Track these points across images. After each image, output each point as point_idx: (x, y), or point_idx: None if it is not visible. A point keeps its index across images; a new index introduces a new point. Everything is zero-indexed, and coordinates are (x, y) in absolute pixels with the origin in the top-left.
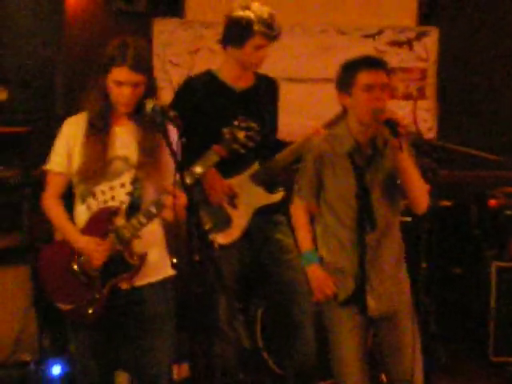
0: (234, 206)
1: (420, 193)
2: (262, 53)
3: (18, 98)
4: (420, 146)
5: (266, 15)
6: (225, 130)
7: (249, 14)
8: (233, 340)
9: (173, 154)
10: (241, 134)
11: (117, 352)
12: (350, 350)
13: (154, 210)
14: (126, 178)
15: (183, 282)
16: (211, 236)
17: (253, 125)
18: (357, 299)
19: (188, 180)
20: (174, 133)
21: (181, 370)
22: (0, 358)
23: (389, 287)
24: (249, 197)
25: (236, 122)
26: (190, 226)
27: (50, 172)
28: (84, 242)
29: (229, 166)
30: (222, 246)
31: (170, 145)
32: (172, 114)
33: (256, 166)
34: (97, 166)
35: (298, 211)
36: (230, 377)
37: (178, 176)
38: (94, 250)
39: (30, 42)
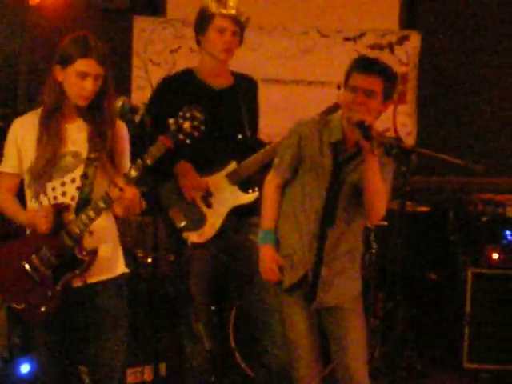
0: (209, 205)
1: (376, 204)
2: (227, 37)
3: None
4: (391, 151)
5: None
6: (170, 121)
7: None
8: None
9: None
10: (186, 124)
11: (75, 348)
12: (298, 334)
13: (101, 204)
14: (77, 173)
15: (156, 282)
16: (184, 234)
17: (198, 115)
18: (302, 288)
19: (134, 173)
20: (124, 129)
21: (159, 370)
22: None
23: (338, 281)
24: (224, 196)
25: (181, 113)
26: (156, 224)
27: (2, 173)
28: (28, 213)
29: (205, 165)
30: (195, 245)
31: (143, 142)
32: (141, 112)
33: (233, 166)
34: (48, 162)
35: (271, 187)
36: (201, 378)
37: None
38: (38, 215)
39: None
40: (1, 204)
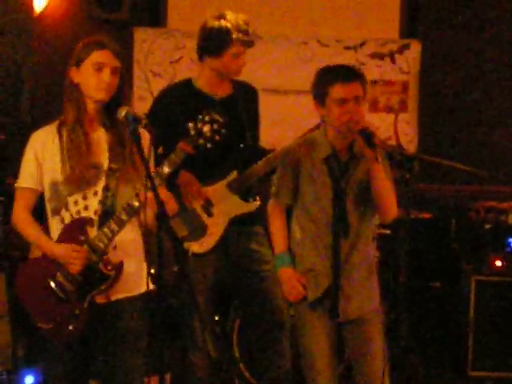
0: (210, 214)
1: (388, 204)
2: (241, 61)
3: None
4: (394, 157)
5: (241, 22)
6: (189, 125)
7: (225, 23)
8: (207, 351)
9: (143, 160)
10: (206, 128)
11: (89, 364)
12: (320, 349)
13: (124, 216)
14: (99, 185)
15: (160, 293)
16: (186, 244)
17: (217, 117)
18: (327, 301)
19: (157, 182)
20: (146, 138)
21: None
22: None
23: (359, 292)
24: (225, 205)
25: (200, 116)
26: (159, 234)
27: (20, 188)
28: (61, 250)
29: (207, 174)
30: (196, 255)
31: (141, 152)
32: (145, 121)
33: (234, 175)
34: (81, 174)
35: (275, 212)
36: None
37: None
38: (72, 256)
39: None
40: (15, 220)
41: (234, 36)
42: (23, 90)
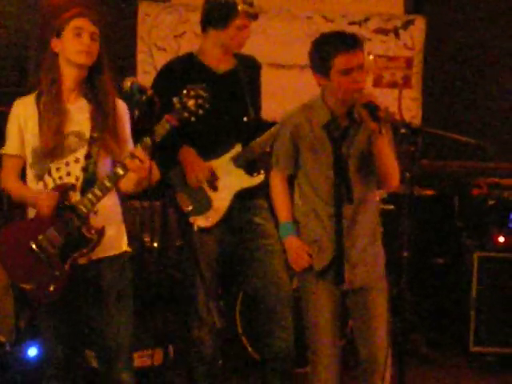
0: (215, 189)
1: (391, 174)
2: (245, 33)
3: None
4: (399, 130)
5: None
6: (174, 100)
7: None
8: (211, 325)
9: (150, 129)
10: (191, 103)
11: (81, 331)
12: (324, 318)
13: (107, 183)
14: (81, 153)
15: (163, 267)
16: (191, 219)
17: (202, 92)
18: (333, 270)
19: (140, 151)
20: (124, 107)
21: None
22: None
23: (363, 259)
24: (230, 179)
25: (185, 91)
26: (165, 209)
27: (6, 155)
28: (32, 193)
29: (210, 148)
30: (201, 229)
31: (148, 121)
32: (150, 92)
33: (238, 149)
34: (53, 141)
35: (276, 182)
36: (208, 362)
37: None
38: (40, 198)
39: (3, 19)
40: (5, 184)
41: (240, 8)
42: (29, 61)
